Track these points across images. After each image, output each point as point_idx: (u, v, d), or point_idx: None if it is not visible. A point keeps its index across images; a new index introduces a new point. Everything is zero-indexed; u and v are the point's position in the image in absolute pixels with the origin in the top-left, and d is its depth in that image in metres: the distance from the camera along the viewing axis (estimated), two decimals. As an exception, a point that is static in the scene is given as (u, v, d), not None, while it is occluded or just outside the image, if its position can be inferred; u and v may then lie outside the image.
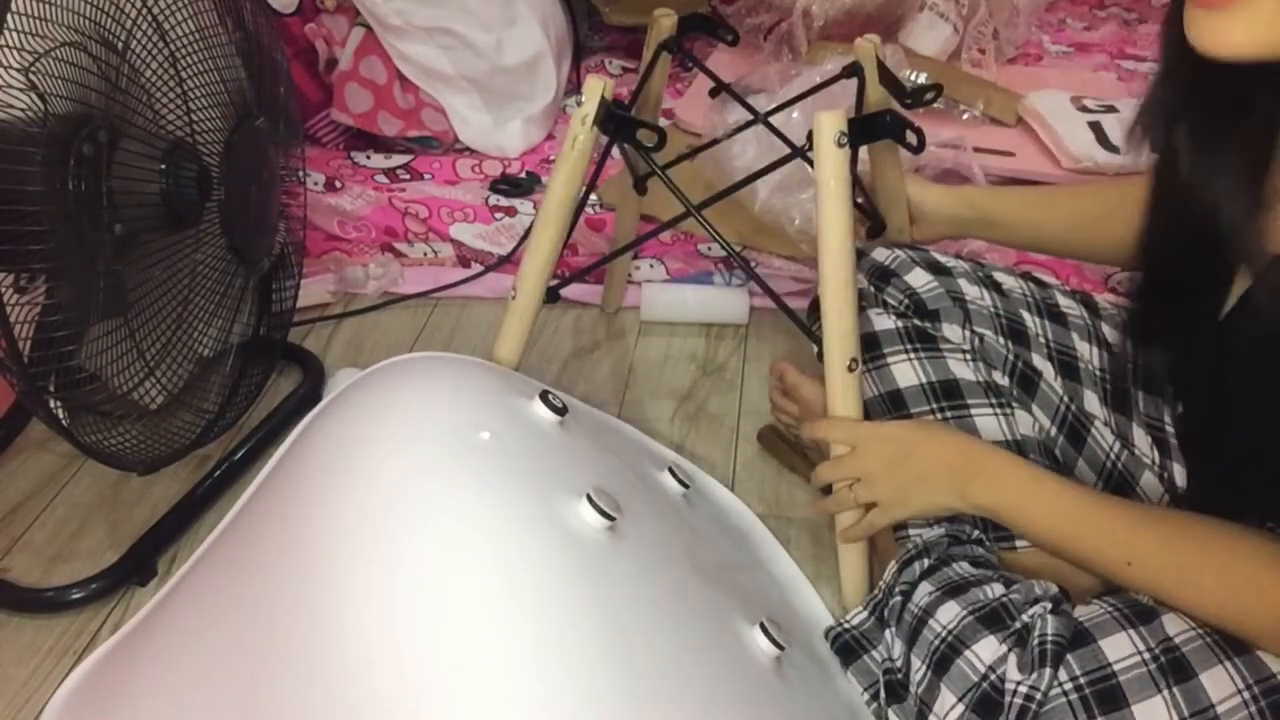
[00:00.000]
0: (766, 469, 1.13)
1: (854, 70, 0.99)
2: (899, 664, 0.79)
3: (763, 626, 0.76)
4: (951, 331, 0.92)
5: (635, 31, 1.84)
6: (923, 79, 1.51)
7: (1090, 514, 0.75)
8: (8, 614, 0.95)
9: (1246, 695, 0.65)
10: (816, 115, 0.82)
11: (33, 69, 0.75)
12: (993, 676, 0.71)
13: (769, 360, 1.26)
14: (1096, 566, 0.74)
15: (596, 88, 0.90)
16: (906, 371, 0.91)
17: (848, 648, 0.85)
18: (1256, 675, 0.65)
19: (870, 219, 1.04)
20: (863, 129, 0.86)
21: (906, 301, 0.93)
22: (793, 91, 1.20)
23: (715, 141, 1.18)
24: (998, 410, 0.89)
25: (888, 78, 0.97)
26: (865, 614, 0.86)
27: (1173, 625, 0.69)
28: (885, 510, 0.84)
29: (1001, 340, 0.91)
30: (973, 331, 0.91)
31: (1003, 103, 1.54)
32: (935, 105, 1.55)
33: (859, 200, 1.03)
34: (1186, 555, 0.70)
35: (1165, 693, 0.66)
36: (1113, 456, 0.87)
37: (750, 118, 1.08)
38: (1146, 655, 0.68)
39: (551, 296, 0.99)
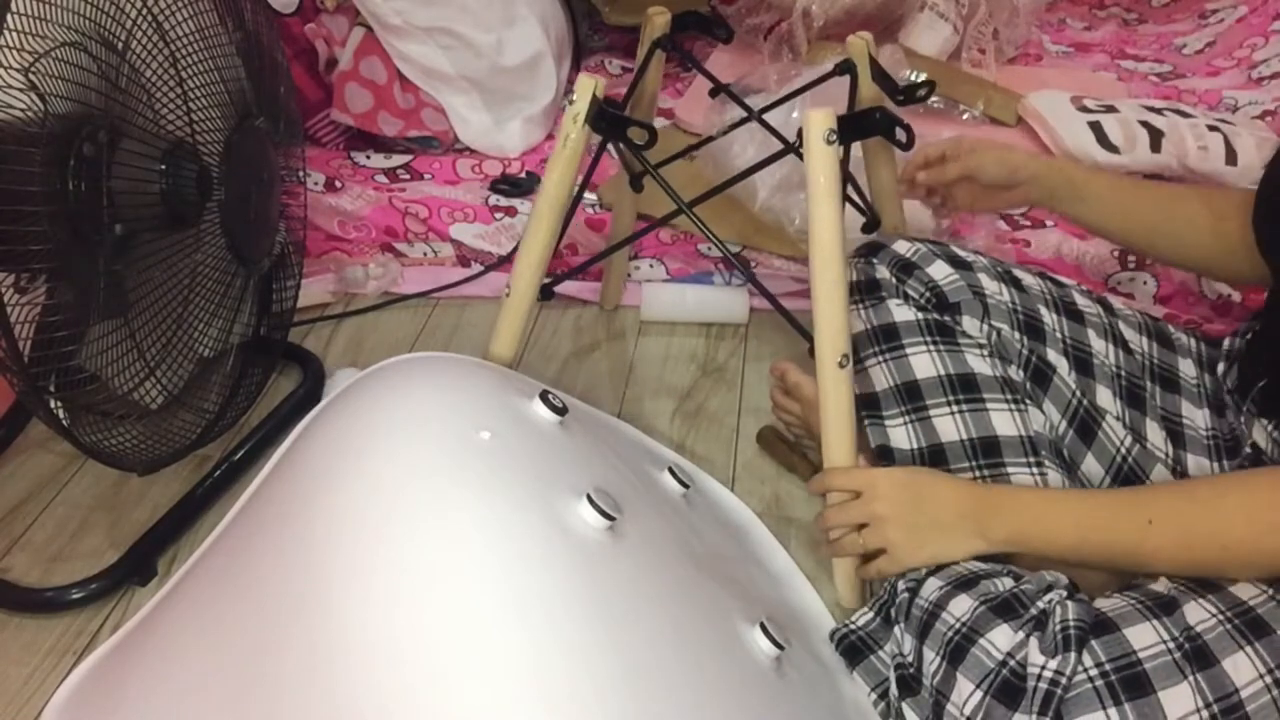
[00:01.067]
0: (766, 469, 1.13)
1: (847, 67, 0.99)
2: (910, 658, 0.79)
3: (763, 626, 0.76)
4: (970, 325, 0.92)
5: (635, 31, 1.83)
6: (922, 79, 1.51)
7: (1102, 500, 0.78)
8: (8, 614, 0.95)
9: (1269, 679, 0.66)
10: (806, 113, 0.83)
11: (33, 69, 0.75)
12: (1012, 662, 0.71)
13: (769, 360, 1.26)
14: (1121, 551, 0.76)
15: (588, 86, 0.90)
16: (925, 363, 0.92)
17: (853, 648, 0.85)
18: (1277, 659, 0.66)
19: (865, 215, 1.04)
20: (853, 126, 0.86)
21: (927, 294, 0.93)
22: (788, 90, 1.20)
23: (710, 139, 1.18)
24: (1012, 406, 0.90)
25: (880, 75, 0.97)
26: (870, 614, 0.86)
27: (1194, 614, 0.70)
28: (895, 558, 0.83)
29: (1017, 335, 0.91)
30: (990, 325, 0.92)
31: (1003, 103, 1.54)
32: (936, 105, 1.55)
33: (854, 197, 1.03)
34: (1203, 493, 0.74)
35: (1190, 679, 0.67)
36: (1123, 451, 0.88)
37: (776, 113, 1.08)
38: (1170, 644, 0.68)
39: (546, 294, 0.99)
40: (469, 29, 1.45)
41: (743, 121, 1.09)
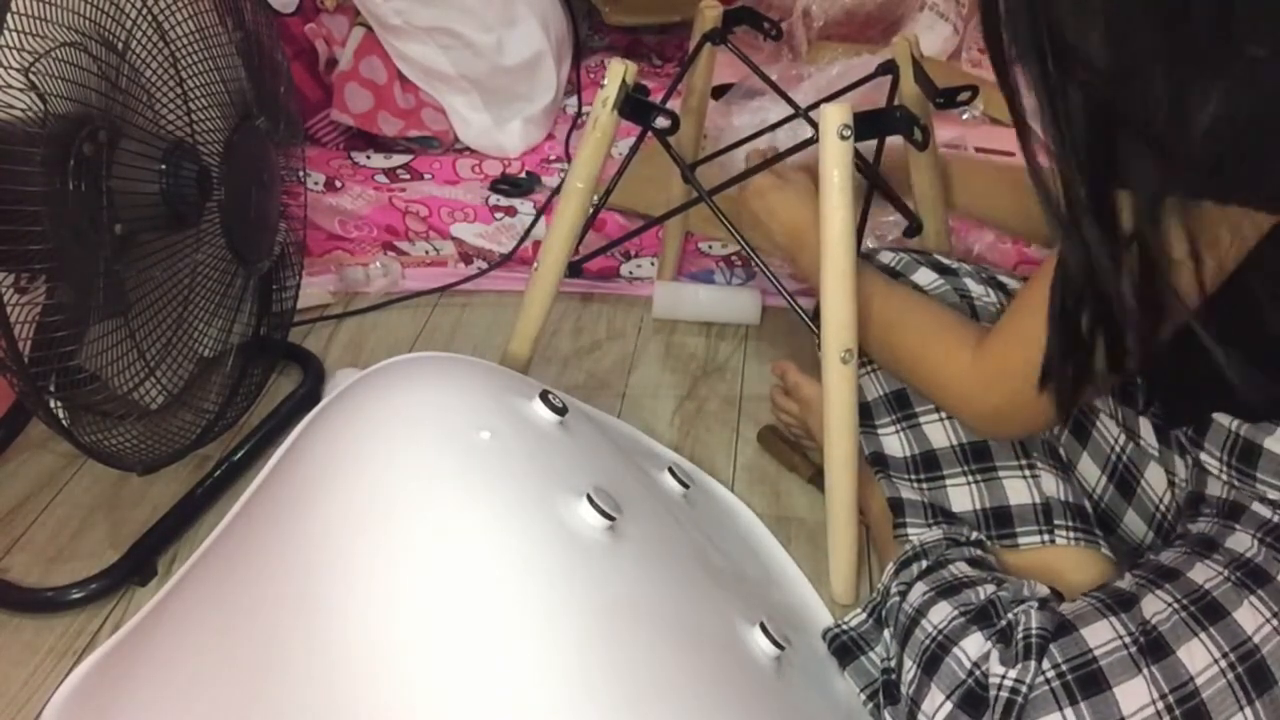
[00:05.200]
0: (766, 469, 1.13)
1: (889, 68, 0.99)
2: (895, 664, 0.79)
3: (763, 626, 0.76)
4: None
5: (635, 31, 1.84)
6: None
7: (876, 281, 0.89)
8: (8, 614, 0.95)
9: (1224, 664, 0.66)
10: (822, 108, 0.83)
11: (33, 69, 0.75)
12: (977, 672, 0.72)
13: (769, 360, 1.26)
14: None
15: (618, 71, 0.92)
16: None
17: (845, 649, 0.85)
18: (1232, 642, 0.66)
19: (909, 219, 1.04)
20: (869, 123, 0.86)
21: None
22: (823, 89, 1.20)
23: (752, 137, 1.18)
24: None
25: (922, 77, 0.97)
26: (864, 615, 0.86)
27: (1150, 607, 0.70)
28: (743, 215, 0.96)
29: None
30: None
31: (1002, 103, 1.54)
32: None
33: (894, 200, 1.03)
34: (898, 312, 0.86)
35: (1145, 671, 0.67)
36: (1117, 449, 0.88)
37: (783, 115, 1.08)
38: (1127, 639, 0.69)
39: (573, 271, 1.02)
40: (469, 29, 1.45)
41: (790, 118, 1.09)
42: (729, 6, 1.09)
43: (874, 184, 1.02)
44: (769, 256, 1.02)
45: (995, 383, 0.76)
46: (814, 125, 0.84)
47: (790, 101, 1.04)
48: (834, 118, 0.82)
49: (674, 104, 1.14)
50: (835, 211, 0.84)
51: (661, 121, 0.95)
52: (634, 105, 0.94)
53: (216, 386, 1.04)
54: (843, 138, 0.83)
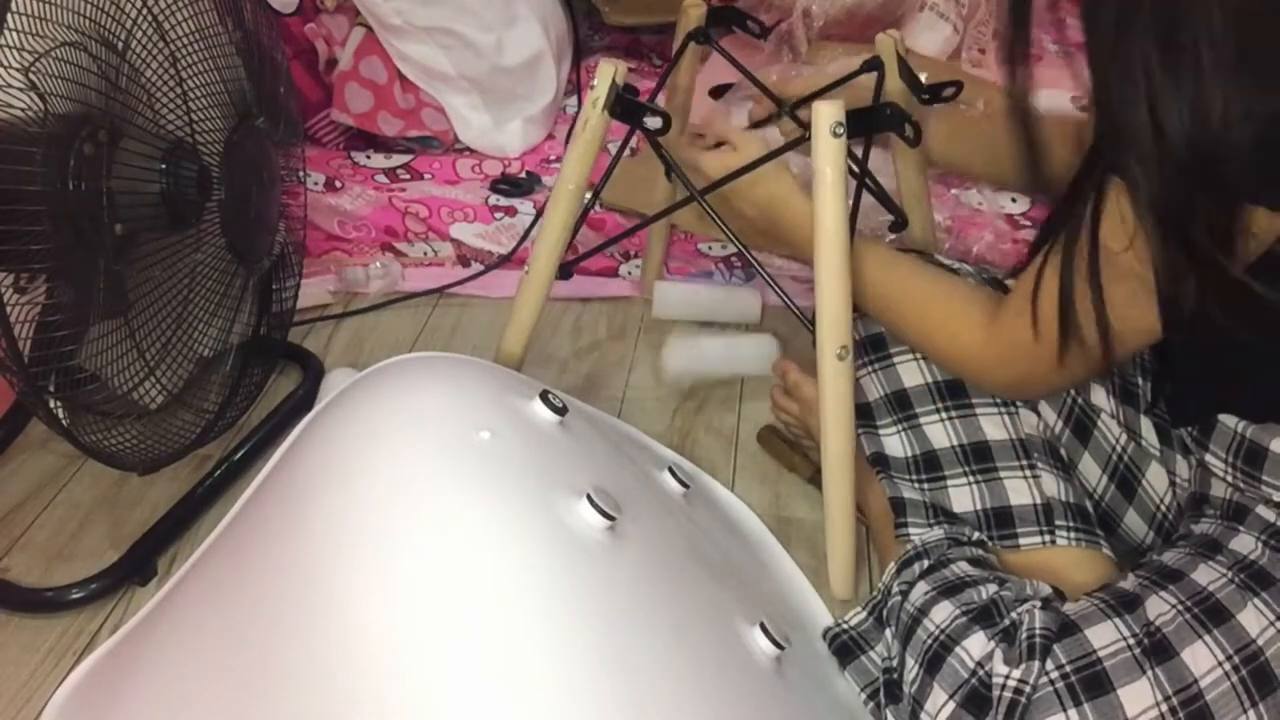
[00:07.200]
0: (766, 469, 1.13)
1: (874, 64, 0.99)
2: (896, 664, 0.79)
3: (763, 626, 0.76)
4: None
5: (635, 31, 1.84)
6: (922, 78, 1.51)
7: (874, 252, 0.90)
8: (8, 614, 0.95)
9: (1228, 666, 0.66)
10: (815, 105, 0.83)
11: (33, 69, 0.75)
12: (981, 672, 0.72)
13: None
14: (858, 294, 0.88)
15: (608, 72, 0.91)
16: (912, 371, 0.92)
17: (845, 648, 0.85)
18: (1236, 644, 0.66)
19: (894, 215, 1.04)
20: (861, 120, 0.86)
21: None
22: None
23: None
24: (1001, 410, 0.89)
25: (907, 73, 0.97)
26: (864, 614, 0.86)
27: (1154, 608, 0.70)
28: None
29: None
30: None
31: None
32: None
33: (881, 196, 1.03)
34: (907, 278, 0.87)
35: (1149, 673, 0.67)
36: (1119, 449, 0.88)
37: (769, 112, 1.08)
38: (1131, 640, 0.69)
39: (564, 273, 1.01)
40: (469, 29, 1.45)
41: (776, 115, 1.09)
42: (716, 5, 1.09)
43: (861, 180, 1.01)
44: (763, 252, 1.02)
45: (1015, 354, 0.78)
46: (799, 123, 0.84)
47: (775, 100, 1.04)
48: (827, 115, 0.82)
49: (660, 103, 1.14)
50: (828, 209, 0.84)
51: (652, 121, 0.95)
52: (624, 105, 0.94)
53: (216, 386, 1.04)
54: (835, 135, 0.82)
